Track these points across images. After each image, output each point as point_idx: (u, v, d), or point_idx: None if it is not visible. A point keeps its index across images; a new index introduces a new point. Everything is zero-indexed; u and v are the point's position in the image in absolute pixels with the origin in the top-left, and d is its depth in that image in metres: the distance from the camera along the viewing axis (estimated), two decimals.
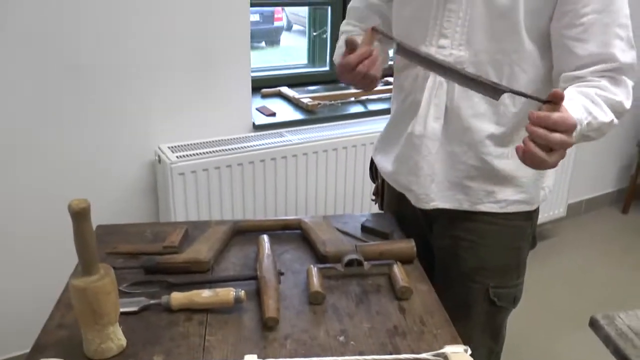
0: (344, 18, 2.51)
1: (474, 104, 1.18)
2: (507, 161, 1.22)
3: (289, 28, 6.56)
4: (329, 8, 2.55)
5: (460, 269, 1.32)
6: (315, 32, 2.64)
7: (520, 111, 1.18)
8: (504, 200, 1.25)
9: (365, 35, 1.14)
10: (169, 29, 1.92)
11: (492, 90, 0.98)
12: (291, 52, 6.04)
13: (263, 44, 6.43)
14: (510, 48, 1.13)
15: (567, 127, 0.90)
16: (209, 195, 1.98)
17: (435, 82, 1.19)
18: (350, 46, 1.12)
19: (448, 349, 0.97)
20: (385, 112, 2.29)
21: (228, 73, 2.07)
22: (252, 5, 2.06)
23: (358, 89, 1.26)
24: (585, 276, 2.79)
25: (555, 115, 0.89)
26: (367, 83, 1.17)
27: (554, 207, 2.90)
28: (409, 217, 1.38)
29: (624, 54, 1.08)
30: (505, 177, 1.23)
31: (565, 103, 0.93)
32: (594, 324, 1.39)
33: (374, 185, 1.56)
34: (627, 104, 1.09)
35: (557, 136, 0.89)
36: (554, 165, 0.93)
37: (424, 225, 1.37)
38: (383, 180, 1.47)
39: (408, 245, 1.27)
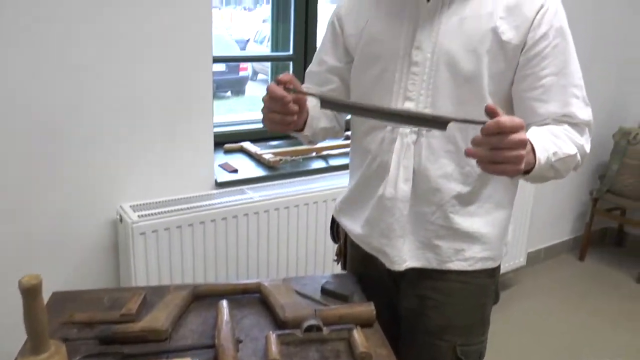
0: (304, 72, 2.58)
1: (441, 165, 1.22)
2: (475, 219, 1.26)
3: (254, 77, 6.66)
4: (291, 63, 2.60)
5: (427, 328, 1.32)
6: None
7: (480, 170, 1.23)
8: (471, 257, 1.28)
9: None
10: (131, 89, 1.92)
11: (437, 124, 1.03)
12: (256, 102, 6.07)
13: (229, 93, 6.51)
14: (475, 111, 1.15)
15: (516, 126, 0.93)
16: (170, 255, 1.95)
17: (402, 145, 1.22)
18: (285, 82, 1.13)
19: None
20: (346, 167, 2.33)
21: (191, 131, 2.08)
22: (214, 61, 2.09)
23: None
24: (546, 323, 2.83)
25: (505, 118, 0.93)
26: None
27: (514, 256, 2.95)
28: (375, 277, 1.38)
29: (582, 112, 1.18)
30: (472, 235, 1.27)
31: (530, 135, 1.02)
32: None
33: (336, 246, 1.57)
34: (587, 148, 1.18)
35: (517, 140, 0.93)
36: (519, 169, 0.97)
37: (390, 286, 1.37)
38: (345, 241, 1.48)
39: (368, 309, 1.28)
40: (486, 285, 1.33)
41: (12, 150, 1.78)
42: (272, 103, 1.13)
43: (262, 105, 1.18)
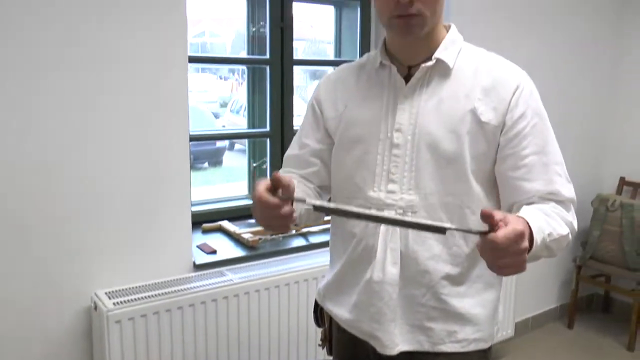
0: (282, 149, 2.58)
1: (428, 246, 1.20)
2: (465, 300, 1.24)
3: (231, 147, 6.69)
4: (268, 140, 2.60)
5: None
6: (255, 162, 2.67)
7: (472, 251, 1.21)
8: (464, 339, 1.25)
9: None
10: (104, 170, 1.90)
11: (436, 230, 1.01)
12: (233, 172, 6.11)
13: (206, 164, 6.51)
14: (459, 191, 1.19)
15: (512, 241, 0.94)
16: (147, 343, 1.87)
17: (388, 227, 1.21)
18: (274, 183, 1.07)
19: None
20: (327, 244, 2.29)
21: (168, 213, 2.04)
22: (191, 139, 2.08)
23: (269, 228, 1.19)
24: None
25: (500, 238, 0.93)
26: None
27: (502, 327, 2.89)
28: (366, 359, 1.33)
29: (566, 189, 1.20)
30: (464, 317, 1.24)
31: (525, 215, 1.04)
32: None
33: (320, 330, 1.51)
34: (575, 225, 1.19)
35: (516, 249, 0.95)
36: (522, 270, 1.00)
37: None
38: (330, 325, 1.42)
39: None
40: None
41: None
42: (267, 212, 1.08)
43: (250, 201, 1.18)
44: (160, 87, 1.97)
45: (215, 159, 6.48)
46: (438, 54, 1.20)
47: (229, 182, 5.84)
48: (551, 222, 1.11)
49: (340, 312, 1.32)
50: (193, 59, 2.27)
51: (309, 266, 2.18)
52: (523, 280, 3.03)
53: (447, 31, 1.25)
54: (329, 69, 2.91)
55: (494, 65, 1.22)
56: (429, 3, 1.14)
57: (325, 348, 1.48)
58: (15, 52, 1.71)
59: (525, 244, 0.96)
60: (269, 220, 1.11)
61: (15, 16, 1.70)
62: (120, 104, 1.90)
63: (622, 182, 3.47)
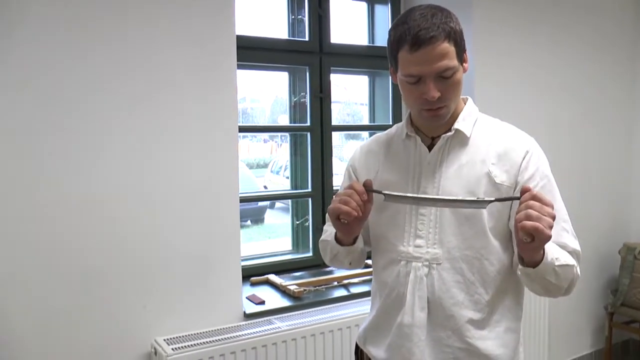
0: (323, 208, 2.80)
1: (452, 294, 1.35)
2: (488, 341, 1.36)
3: (272, 206, 6.93)
4: (310, 199, 2.82)
5: None
6: (298, 221, 2.89)
7: (492, 298, 1.36)
8: None
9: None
10: (168, 229, 2.14)
11: (477, 204, 1.24)
12: (275, 229, 6.33)
13: (249, 222, 6.74)
14: (478, 245, 1.34)
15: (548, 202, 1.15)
16: None
17: (416, 277, 1.36)
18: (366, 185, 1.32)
19: None
20: (365, 294, 2.46)
21: (221, 267, 2.25)
22: (241, 201, 2.31)
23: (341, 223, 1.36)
24: None
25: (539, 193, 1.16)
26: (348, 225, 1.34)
27: None
28: None
29: (572, 242, 1.34)
30: (488, 357, 1.37)
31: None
32: None
33: None
34: (579, 272, 1.32)
35: (547, 210, 1.14)
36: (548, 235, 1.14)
37: None
38: None
39: None
40: None
41: (53, 294, 1.98)
42: (351, 195, 1.31)
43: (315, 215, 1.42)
44: (216, 156, 2.22)
45: (257, 217, 6.72)
46: (457, 125, 1.37)
47: (270, 238, 6.06)
48: (560, 251, 1.27)
49: (378, 352, 1.48)
50: (243, 129, 2.54)
51: (350, 314, 2.35)
52: (556, 327, 3.12)
53: (465, 104, 1.42)
54: (364, 134, 3.17)
55: (506, 133, 1.40)
56: (451, 94, 1.31)
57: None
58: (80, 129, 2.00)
59: (547, 220, 1.13)
60: (346, 203, 1.30)
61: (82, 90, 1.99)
62: (183, 171, 2.16)
63: None
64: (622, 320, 3.45)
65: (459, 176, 1.36)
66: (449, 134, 1.38)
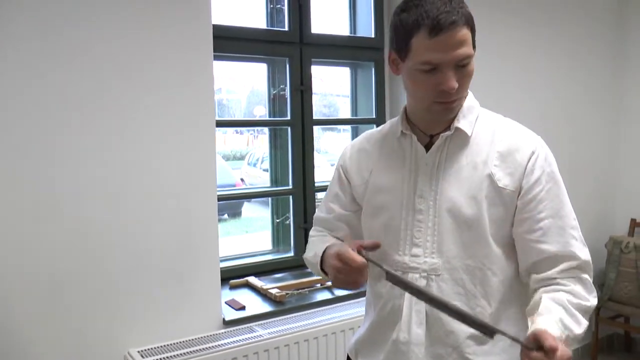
0: (304, 206, 2.69)
1: None
2: (491, 357, 1.26)
3: (249, 199, 6.81)
4: (291, 197, 2.71)
5: None
6: (278, 218, 2.78)
7: (495, 311, 1.26)
8: None
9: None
10: (138, 233, 2.01)
11: (486, 331, 1.08)
12: (253, 223, 6.21)
13: (226, 216, 6.62)
14: (480, 254, 1.24)
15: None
16: None
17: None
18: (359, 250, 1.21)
19: None
20: (351, 296, 2.36)
21: (198, 272, 2.14)
22: (218, 199, 2.19)
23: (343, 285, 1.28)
24: None
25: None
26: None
27: None
28: None
29: (582, 252, 1.23)
30: None
31: (541, 318, 1.09)
32: None
33: None
34: (595, 302, 1.21)
35: None
36: None
37: None
38: None
39: None
40: None
41: (17, 303, 1.84)
42: (352, 272, 1.20)
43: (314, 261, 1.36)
44: (192, 153, 2.10)
45: (234, 210, 6.60)
46: (457, 123, 1.26)
47: (248, 232, 5.95)
48: (569, 323, 1.14)
49: None
50: (221, 124, 2.41)
51: (335, 319, 2.25)
52: None
53: (465, 98, 1.29)
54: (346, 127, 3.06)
55: (509, 132, 1.28)
56: (467, 84, 1.22)
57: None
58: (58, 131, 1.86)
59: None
60: (350, 277, 1.21)
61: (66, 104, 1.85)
62: (157, 170, 2.03)
63: (634, 223, 3.54)
64: (608, 315, 3.43)
65: (458, 179, 1.25)
66: (449, 132, 1.27)
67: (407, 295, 1.26)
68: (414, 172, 1.30)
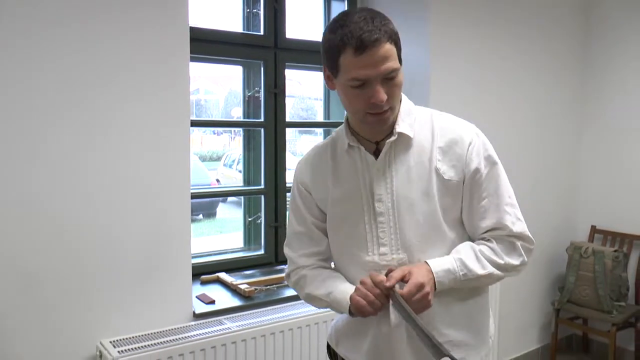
0: (276, 205, 2.76)
1: None
2: (462, 331, 1.41)
3: (224, 200, 6.85)
4: (263, 196, 2.78)
5: None
6: (250, 217, 2.85)
7: (456, 292, 1.38)
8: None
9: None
10: (111, 226, 2.05)
11: (433, 350, 1.24)
12: (227, 224, 6.26)
13: (200, 216, 6.65)
14: (438, 241, 1.38)
15: (418, 288, 1.26)
16: None
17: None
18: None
19: None
20: None
21: (170, 266, 2.19)
22: (192, 197, 2.25)
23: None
24: None
25: (405, 292, 1.25)
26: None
27: None
28: None
29: (514, 225, 1.38)
30: (463, 343, 1.41)
31: (433, 262, 1.33)
32: None
33: None
34: (516, 262, 1.38)
35: (418, 297, 1.26)
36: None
37: None
38: None
39: None
40: None
41: None
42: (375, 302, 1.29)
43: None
44: (168, 152, 2.15)
45: (209, 211, 6.63)
46: (399, 128, 1.35)
47: (222, 233, 5.99)
48: (471, 264, 1.34)
49: (356, 357, 1.46)
50: (195, 123, 2.47)
51: (302, 314, 2.32)
52: (505, 323, 3.18)
53: (400, 102, 1.38)
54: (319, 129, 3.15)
55: (447, 127, 1.39)
56: (396, 95, 1.31)
57: None
58: (26, 111, 1.89)
59: (427, 289, 1.26)
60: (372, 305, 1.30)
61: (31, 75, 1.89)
62: (131, 167, 2.08)
63: (593, 230, 3.68)
64: (568, 317, 3.56)
65: (409, 179, 1.36)
66: (393, 138, 1.36)
67: None
68: (368, 179, 1.38)
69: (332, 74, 1.31)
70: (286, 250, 1.54)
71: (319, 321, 2.31)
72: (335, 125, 3.01)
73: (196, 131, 6.96)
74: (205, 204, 6.75)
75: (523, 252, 1.40)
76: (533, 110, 3.42)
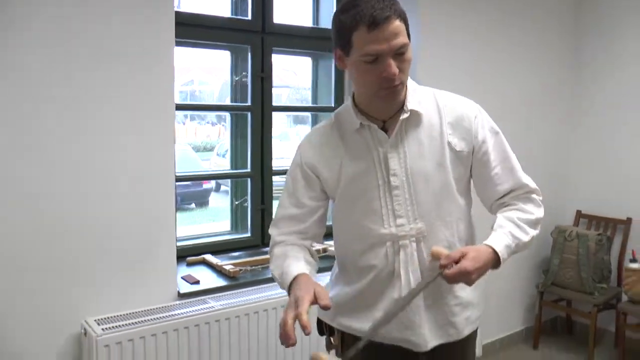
0: (262, 188, 2.78)
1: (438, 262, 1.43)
2: (468, 289, 1.49)
3: (217, 189, 6.88)
4: (249, 180, 2.81)
5: None
6: (237, 201, 2.88)
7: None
8: (475, 319, 1.57)
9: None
10: (97, 208, 2.08)
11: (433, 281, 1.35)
12: (219, 213, 6.29)
13: (193, 205, 6.69)
14: (452, 208, 1.47)
15: (462, 274, 1.31)
16: None
17: (406, 254, 1.44)
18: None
19: None
20: None
21: (155, 247, 2.23)
22: (178, 180, 2.27)
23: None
24: None
25: (459, 269, 1.30)
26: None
27: None
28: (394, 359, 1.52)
29: (529, 182, 1.53)
30: (472, 302, 1.54)
31: (494, 233, 1.41)
32: None
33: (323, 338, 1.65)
34: (541, 214, 1.50)
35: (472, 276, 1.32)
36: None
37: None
38: (342, 335, 1.56)
39: None
40: (476, 335, 1.65)
41: None
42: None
43: None
44: (152, 133, 2.18)
45: (202, 200, 6.67)
46: (410, 105, 1.42)
47: (214, 221, 6.02)
48: (517, 233, 1.43)
49: (362, 325, 1.49)
50: (180, 107, 2.49)
51: (285, 293, 2.34)
52: (490, 305, 3.21)
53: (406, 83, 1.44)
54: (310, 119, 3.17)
55: (451, 103, 1.49)
56: (407, 70, 1.38)
57: (332, 350, 1.62)
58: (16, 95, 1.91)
59: (473, 277, 1.32)
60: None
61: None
62: (115, 149, 2.11)
63: (579, 214, 3.73)
64: (551, 299, 3.61)
65: (423, 153, 1.44)
66: (405, 115, 1.42)
67: (402, 260, 1.44)
68: (382, 156, 1.44)
69: (344, 52, 1.37)
70: (271, 230, 1.57)
71: None
72: (323, 109, 3.05)
73: (190, 122, 7.00)
74: (197, 193, 6.80)
75: (540, 203, 1.53)
76: (523, 97, 3.46)
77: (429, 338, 1.47)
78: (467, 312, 1.53)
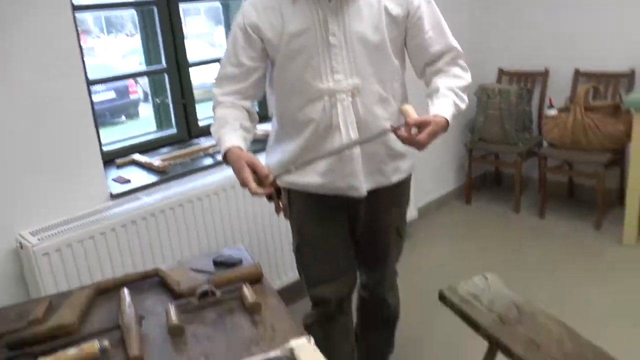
0: (181, 81, 2.70)
1: (374, 113, 1.60)
2: (399, 142, 1.56)
3: (146, 99, 6.66)
4: (166, 75, 2.72)
5: (383, 223, 1.82)
6: (158, 99, 2.80)
7: (398, 105, 1.62)
8: (404, 170, 1.75)
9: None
10: (13, 118, 1.99)
11: (384, 134, 1.56)
12: (150, 122, 6.12)
13: (123, 118, 6.48)
14: (387, 68, 1.61)
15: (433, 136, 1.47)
16: (78, 270, 2.03)
17: (343, 107, 1.57)
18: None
19: (293, 342, 1.14)
20: None
21: (78, 150, 2.17)
22: (91, 83, 2.17)
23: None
24: (443, 261, 3.19)
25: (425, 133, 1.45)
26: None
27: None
28: (334, 207, 1.73)
29: (456, 44, 1.66)
30: (402, 154, 1.71)
31: (439, 101, 1.54)
32: (441, 296, 1.87)
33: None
34: (470, 78, 1.66)
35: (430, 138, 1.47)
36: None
37: (349, 208, 1.75)
38: (289, 195, 1.74)
39: (254, 268, 1.46)
40: (409, 183, 1.85)
41: None
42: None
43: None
44: (53, 39, 2.05)
45: (131, 112, 6.48)
46: None
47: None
48: (458, 102, 1.58)
49: (309, 179, 1.66)
50: (79, 7, 2.33)
51: (216, 181, 2.38)
52: (422, 170, 3.35)
53: None
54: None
55: None
56: None
57: (282, 213, 1.78)
58: None
59: (423, 147, 1.47)
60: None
61: None
62: (24, 59, 1.99)
63: (501, 72, 3.84)
64: (480, 155, 3.79)
65: (361, 16, 1.54)
66: None
67: (339, 113, 1.58)
68: (322, 17, 1.53)
69: None
70: (214, 89, 1.66)
71: (235, 185, 2.35)
72: None
73: (107, 37, 6.63)
74: (125, 105, 6.57)
75: (467, 68, 1.67)
76: None
77: (365, 183, 1.65)
78: (398, 162, 1.71)
